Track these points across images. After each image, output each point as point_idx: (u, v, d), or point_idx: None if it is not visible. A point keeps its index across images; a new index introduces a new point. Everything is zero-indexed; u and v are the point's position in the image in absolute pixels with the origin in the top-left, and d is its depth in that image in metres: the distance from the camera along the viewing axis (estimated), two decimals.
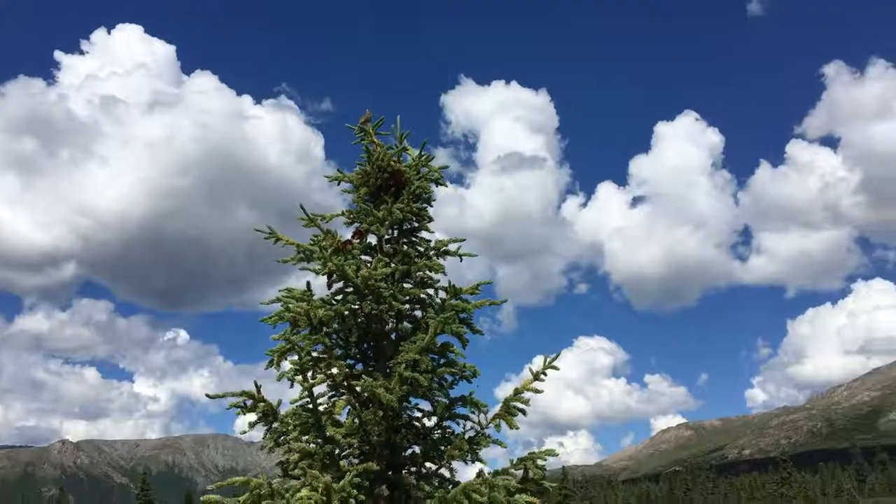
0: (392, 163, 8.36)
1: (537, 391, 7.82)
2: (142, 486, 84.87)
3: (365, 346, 8.07)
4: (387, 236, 8.28)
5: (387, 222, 8.11)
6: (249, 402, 7.31)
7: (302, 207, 8.26)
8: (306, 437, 7.31)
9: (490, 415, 7.88)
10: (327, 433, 7.22)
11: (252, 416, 7.44)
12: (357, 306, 7.82)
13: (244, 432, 7.73)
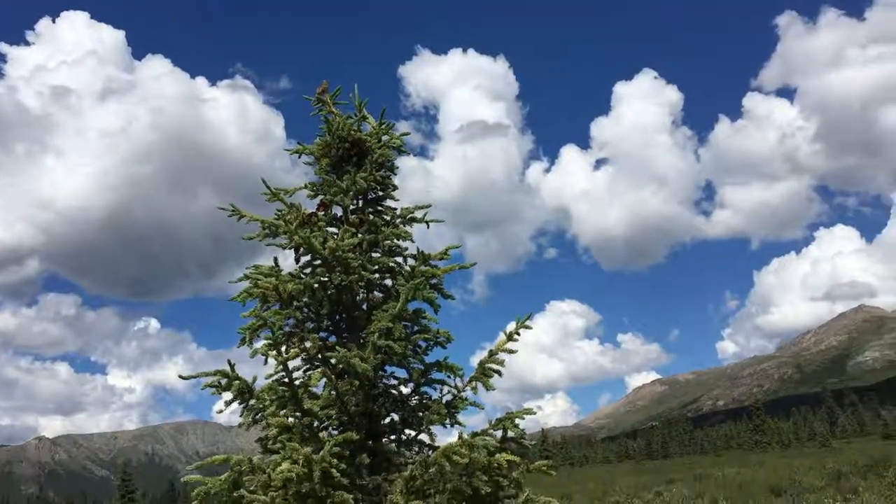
0: (352, 132, 8.27)
1: (511, 352, 7.87)
2: (122, 478, 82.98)
3: (337, 317, 8.04)
4: (352, 206, 8.22)
5: (351, 192, 8.04)
6: (224, 381, 7.25)
7: (264, 181, 8.15)
8: (284, 411, 7.28)
9: (466, 378, 7.93)
10: (305, 406, 7.21)
11: (228, 395, 7.40)
12: (326, 278, 7.77)
13: (220, 411, 7.68)
